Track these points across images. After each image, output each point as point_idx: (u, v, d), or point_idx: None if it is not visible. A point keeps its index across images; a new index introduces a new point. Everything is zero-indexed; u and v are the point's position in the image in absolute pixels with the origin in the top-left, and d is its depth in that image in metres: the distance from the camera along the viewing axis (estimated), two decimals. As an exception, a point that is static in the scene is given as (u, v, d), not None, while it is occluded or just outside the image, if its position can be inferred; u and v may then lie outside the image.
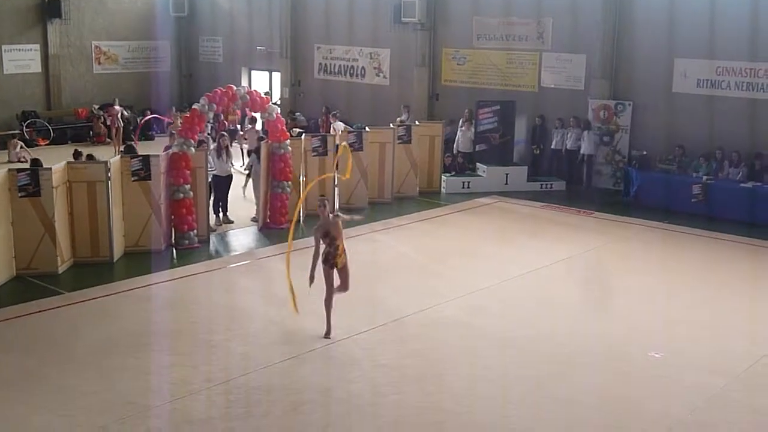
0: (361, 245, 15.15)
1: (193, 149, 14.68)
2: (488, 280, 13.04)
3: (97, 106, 26.39)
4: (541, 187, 20.01)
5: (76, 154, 18.89)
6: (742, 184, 17.61)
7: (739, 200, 17.35)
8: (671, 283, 13.36)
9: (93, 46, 28.03)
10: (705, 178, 18.01)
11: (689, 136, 19.06)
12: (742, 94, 18.49)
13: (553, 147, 20.96)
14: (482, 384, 9.49)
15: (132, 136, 24.76)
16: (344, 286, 10.76)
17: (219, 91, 15.17)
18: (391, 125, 19.12)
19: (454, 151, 21.36)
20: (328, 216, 10.61)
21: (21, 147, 22.88)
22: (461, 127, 21.44)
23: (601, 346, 10.68)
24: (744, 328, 11.43)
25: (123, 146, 20.94)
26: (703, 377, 9.78)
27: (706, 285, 13.35)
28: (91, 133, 25.89)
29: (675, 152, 18.89)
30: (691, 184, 17.96)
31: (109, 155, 17.88)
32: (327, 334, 10.61)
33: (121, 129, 24.27)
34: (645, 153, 19.40)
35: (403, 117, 22.06)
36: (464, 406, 8.97)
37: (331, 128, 21.63)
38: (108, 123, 24.80)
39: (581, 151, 20.41)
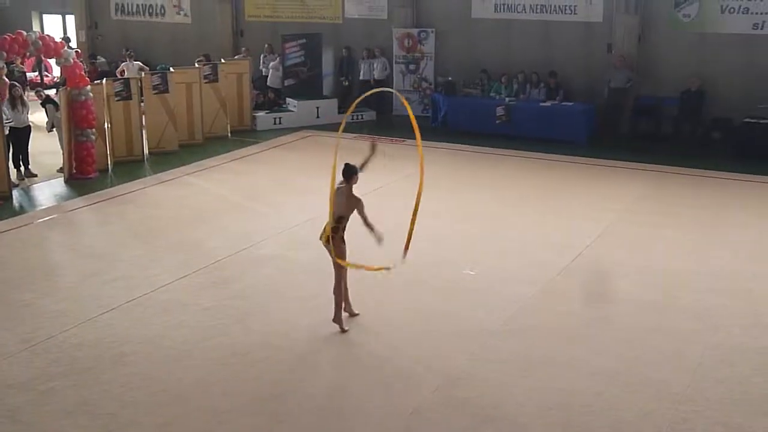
0: (174, 190, 14.91)
1: (-16, 101, 13.86)
2: (305, 214, 13.12)
3: None
4: (353, 119, 20.02)
5: None
6: (541, 104, 18.48)
7: (539, 119, 18.23)
8: (479, 202, 13.98)
9: None
10: (507, 100, 18.78)
11: (491, 60, 19.76)
12: (536, 17, 19.32)
13: (361, 78, 21.16)
14: (306, 317, 9.61)
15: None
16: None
17: (8, 37, 14.27)
18: (196, 64, 18.70)
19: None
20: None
21: None
22: (263, 60, 21.18)
23: (417, 267, 11.01)
24: (549, 239, 12.14)
25: None
26: (515, 288, 10.34)
27: (512, 201, 14.04)
28: None
29: (480, 77, 19.53)
30: (495, 107, 18.69)
31: None
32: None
33: None
34: (450, 79, 19.94)
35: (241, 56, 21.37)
36: (291, 339, 9.10)
37: (122, 68, 20.77)
38: None
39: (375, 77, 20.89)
